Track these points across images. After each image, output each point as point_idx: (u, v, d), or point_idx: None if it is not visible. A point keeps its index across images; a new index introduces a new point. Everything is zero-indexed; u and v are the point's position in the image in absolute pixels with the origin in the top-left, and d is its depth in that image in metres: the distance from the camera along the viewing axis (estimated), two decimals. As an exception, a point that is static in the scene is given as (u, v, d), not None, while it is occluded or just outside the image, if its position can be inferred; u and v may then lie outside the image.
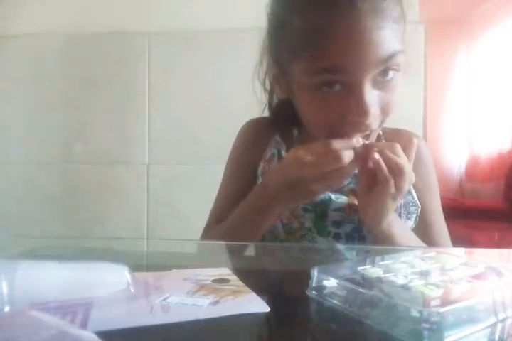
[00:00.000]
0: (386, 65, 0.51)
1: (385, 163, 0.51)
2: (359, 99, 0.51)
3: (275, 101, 0.72)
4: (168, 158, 1.52)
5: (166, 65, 1.50)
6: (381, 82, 0.52)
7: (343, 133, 0.53)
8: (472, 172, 3.00)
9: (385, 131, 0.73)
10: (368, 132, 0.55)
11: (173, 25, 1.50)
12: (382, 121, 0.55)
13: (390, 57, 0.50)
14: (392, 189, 0.51)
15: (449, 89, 3.13)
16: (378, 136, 0.71)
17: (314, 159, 0.51)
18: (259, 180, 0.69)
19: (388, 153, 0.51)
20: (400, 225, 0.59)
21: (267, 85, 0.70)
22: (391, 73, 0.52)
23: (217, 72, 1.46)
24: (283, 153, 0.69)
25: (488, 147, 2.82)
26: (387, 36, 0.50)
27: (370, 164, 0.51)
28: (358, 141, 0.51)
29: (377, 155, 0.51)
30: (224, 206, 0.72)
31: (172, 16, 1.50)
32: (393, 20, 0.51)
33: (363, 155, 0.51)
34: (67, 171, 1.55)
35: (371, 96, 0.51)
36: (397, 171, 0.51)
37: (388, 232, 0.55)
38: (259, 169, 0.70)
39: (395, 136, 0.71)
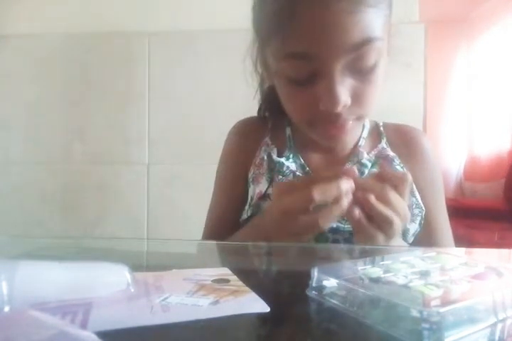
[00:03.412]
0: (358, 51, 0.46)
1: (372, 213, 0.45)
2: (329, 86, 0.47)
3: (266, 86, 0.69)
4: (168, 158, 1.52)
5: (166, 65, 1.51)
6: (357, 71, 0.48)
7: (317, 123, 0.51)
8: (472, 172, 3.00)
9: (386, 126, 0.71)
10: (340, 122, 0.50)
11: (173, 25, 1.50)
12: (360, 115, 0.51)
13: (363, 43, 0.46)
14: (381, 238, 0.46)
15: (449, 89, 3.13)
16: (379, 134, 0.70)
17: (289, 200, 0.45)
18: (251, 185, 0.67)
19: (375, 201, 0.44)
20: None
21: (259, 69, 0.66)
22: (368, 61, 0.48)
23: (217, 72, 1.46)
24: (273, 157, 0.67)
25: (488, 147, 2.82)
26: (360, 21, 0.45)
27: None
28: (346, 185, 0.44)
29: (357, 213, 0.44)
30: (219, 215, 0.72)
31: (172, 16, 1.50)
32: (369, 4, 0.46)
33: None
34: (67, 171, 1.55)
35: (344, 84, 0.47)
36: (385, 224, 0.45)
37: None
38: (250, 175, 0.68)
39: (396, 133, 0.69)
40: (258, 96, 0.73)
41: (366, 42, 0.46)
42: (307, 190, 0.43)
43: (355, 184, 0.45)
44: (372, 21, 0.47)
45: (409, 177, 0.48)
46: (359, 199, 0.45)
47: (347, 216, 0.46)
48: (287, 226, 0.47)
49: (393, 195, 0.45)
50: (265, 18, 0.51)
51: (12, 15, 1.55)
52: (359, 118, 0.53)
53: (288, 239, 0.51)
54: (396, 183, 0.47)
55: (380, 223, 0.45)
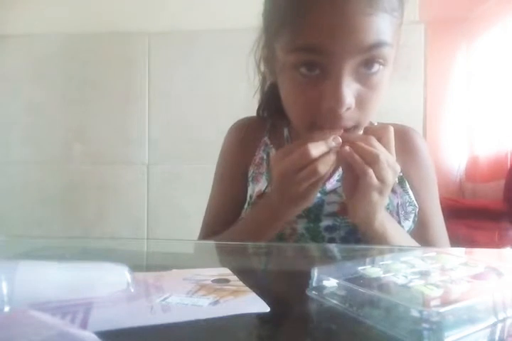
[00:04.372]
0: (369, 54, 0.47)
1: (360, 155, 0.48)
2: (336, 85, 0.47)
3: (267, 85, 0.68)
4: (168, 158, 1.52)
5: (166, 65, 1.51)
6: (364, 76, 0.49)
7: (318, 124, 0.51)
8: (472, 172, 3.00)
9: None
10: (341, 127, 0.51)
11: (173, 25, 1.50)
12: (360, 121, 0.52)
13: (374, 46, 0.47)
14: (374, 180, 0.48)
15: (449, 89, 3.12)
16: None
17: (286, 159, 0.48)
18: (250, 184, 0.68)
19: (360, 143, 0.48)
20: (393, 225, 0.57)
21: (262, 67, 0.66)
22: (375, 66, 0.49)
23: (217, 72, 1.46)
24: (272, 156, 0.67)
25: (489, 147, 2.81)
26: (374, 24, 0.46)
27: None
28: (336, 139, 0.48)
29: (348, 148, 0.48)
30: (218, 214, 0.72)
31: (172, 16, 1.50)
32: (384, 9, 0.47)
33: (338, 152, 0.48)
34: (67, 171, 1.55)
35: (350, 86, 0.48)
36: (372, 161, 0.47)
37: (381, 231, 0.53)
38: (249, 173, 0.69)
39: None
40: (258, 96, 0.73)
41: (378, 45, 0.47)
42: (302, 148, 0.47)
43: (342, 139, 0.49)
44: (386, 26, 0.48)
45: (391, 128, 0.51)
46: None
47: (339, 155, 0.48)
48: (289, 187, 0.49)
49: (377, 143, 0.49)
50: (280, 9, 0.51)
51: (12, 15, 1.55)
52: (357, 126, 0.53)
53: (292, 204, 0.52)
54: (380, 135, 0.50)
55: (369, 161, 0.47)
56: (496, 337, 0.25)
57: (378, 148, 0.48)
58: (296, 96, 0.53)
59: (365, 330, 0.26)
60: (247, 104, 0.73)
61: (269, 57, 0.59)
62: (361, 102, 0.50)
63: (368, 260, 0.35)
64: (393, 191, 0.64)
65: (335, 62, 0.47)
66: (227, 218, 0.69)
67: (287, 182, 0.49)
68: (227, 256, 0.54)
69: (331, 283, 0.31)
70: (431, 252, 0.39)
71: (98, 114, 1.54)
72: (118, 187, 1.54)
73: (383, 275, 0.31)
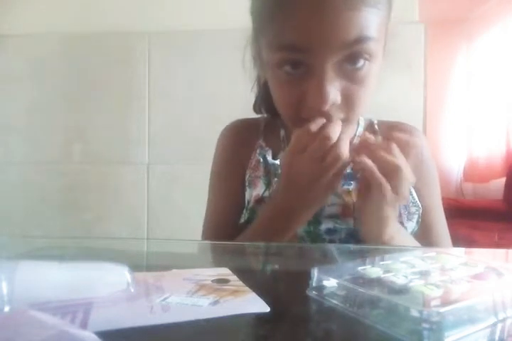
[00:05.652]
0: (351, 49, 0.46)
1: (379, 164, 0.46)
2: (319, 82, 0.47)
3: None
4: (168, 158, 1.52)
5: (166, 65, 1.50)
6: (349, 71, 0.48)
7: (304, 123, 0.50)
8: (472, 172, 3.00)
9: (381, 124, 0.69)
10: (326, 121, 0.50)
11: (173, 25, 1.50)
12: (348, 115, 0.51)
13: (356, 41, 0.46)
14: (389, 193, 0.46)
15: (449, 89, 3.13)
16: (374, 132, 0.68)
17: (307, 151, 0.48)
18: (247, 189, 0.66)
19: (382, 152, 0.46)
20: (402, 236, 0.55)
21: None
22: (360, 61, 0.48)
23: (217, 72, 1.46)
24: (269, 159, 0.66)
25: (488, 147, 2.82)
26: (356, 19, 0.45)
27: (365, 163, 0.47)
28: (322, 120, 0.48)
29: (367, 160, 0.46)
30: (218, 219, 0.70)
31: (172, 16, 1.50)
32: (368, 3, 0.46)
33: (355, 153, 0.48)
34: (68, 171, 1.55)
35: (333, 82, 0.47)
36: (392, 173, 0.46)
37: (389, 243, 0.52)
38: (246, 177, 0.67)
39: (391, 130, 0.68)
40: (255, 90, 0.72)
41: (360, 40, 0.46)
42: (321, 134, 0.47)
43: (361, 144, 0.49)
44: (369, 21, 0.47)
45: (417, 143, 0.51)
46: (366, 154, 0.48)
47: (353, 166, 0.48)
48: (318, 181, 0.49)
49: (398, 152, 0.47)
50: (262, 9, 0.51)
51: (12, 15, 1.55)
52: (347, 120, 0.52)
53: (324, 194, 0.52)
54: (401, 143, 0.49)
55: (389, 172, 0.46)
56: (496, 337, 0.25)
57: (400, 159, 0.47)
58: (282, 94, 0.53)
59: (365, 330, 0.26)
60: (246, 104, 0.73)
61: (257, 54, 0.58)
62: (348, 97, 0.49)
63: (368, 260, 0.35)
64: None
65: (317, 60, 0.47)
66: (227, 223, 0.67)
67: (317, 169, 0.49)
68: (227, 256, 0.54)
69: (331, 283, 0.31)
70: (431, 252, 0.39)
71: (98, 114, 1.54)
72: (118, 187, 1.54)
73: (383, 275, 0.31)
